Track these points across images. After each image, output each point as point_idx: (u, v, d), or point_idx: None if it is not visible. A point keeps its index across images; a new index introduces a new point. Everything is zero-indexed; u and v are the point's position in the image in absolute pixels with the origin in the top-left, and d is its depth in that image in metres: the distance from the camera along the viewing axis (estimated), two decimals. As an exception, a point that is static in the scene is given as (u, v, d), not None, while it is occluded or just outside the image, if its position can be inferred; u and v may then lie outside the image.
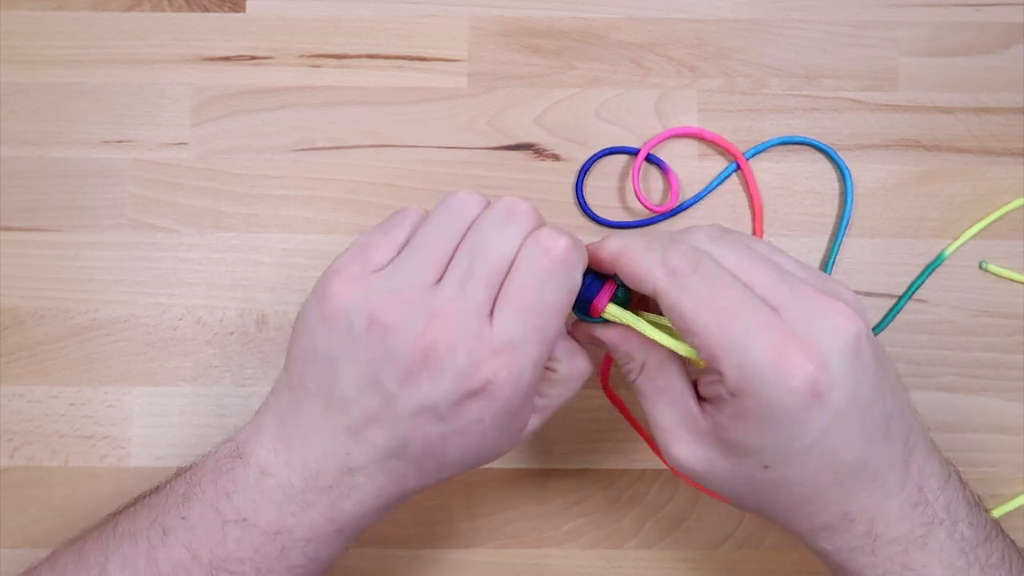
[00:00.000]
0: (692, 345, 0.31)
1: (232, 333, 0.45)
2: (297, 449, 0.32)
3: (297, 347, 0.33)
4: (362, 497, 0.32)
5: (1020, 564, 0.33)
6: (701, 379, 0.33)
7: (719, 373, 0.30)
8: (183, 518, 0.32)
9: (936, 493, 0.32)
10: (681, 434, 0.33)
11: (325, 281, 0.32)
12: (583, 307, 0.34)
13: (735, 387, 0.30)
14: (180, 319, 0.45)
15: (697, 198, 0.46)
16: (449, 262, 0.31)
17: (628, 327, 0.33)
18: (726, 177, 0.46)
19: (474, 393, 0.30)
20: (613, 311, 0.33)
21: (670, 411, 0.33)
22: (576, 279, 0.32)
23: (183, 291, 0.45)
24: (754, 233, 0.45)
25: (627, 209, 0.46)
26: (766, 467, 0.31)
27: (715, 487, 0.33)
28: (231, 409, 0.44)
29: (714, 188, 0.46)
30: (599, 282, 0.34)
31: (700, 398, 0.33)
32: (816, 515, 0.32)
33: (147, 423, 0.44)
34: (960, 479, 0.34)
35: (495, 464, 0.44)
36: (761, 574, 0.44)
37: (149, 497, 0.34)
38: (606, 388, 0.44)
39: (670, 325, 0.32)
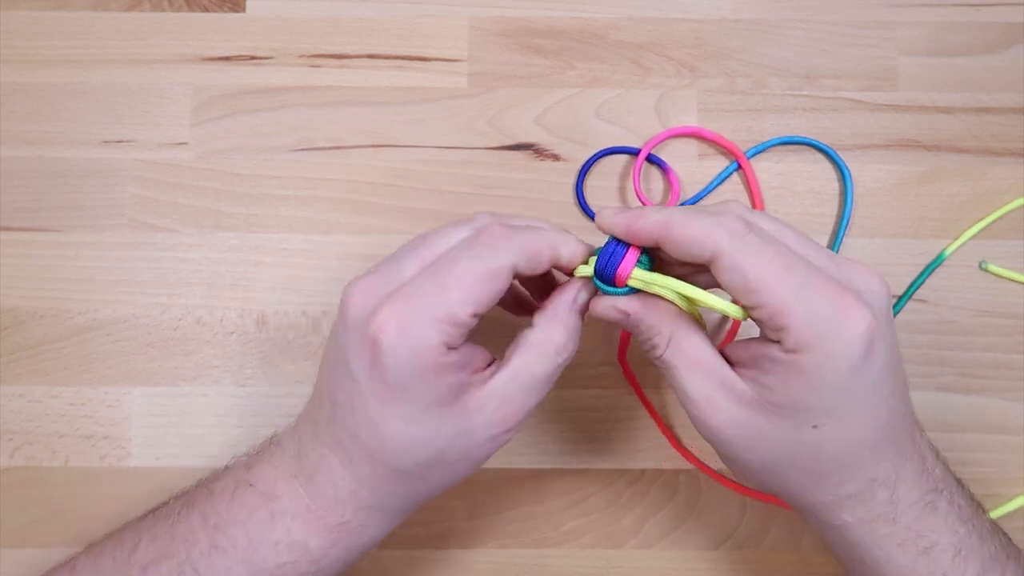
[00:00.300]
0: (751, 304, 0.30)
1: (232, 333, 0.45)
2: (300, 415, 0.36)
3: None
4: (330, 473, 0.33)
5: (1006, 539, 0.35)
6: (736, 346, 0.33)
7: (780, 329, 0.30)
8: (209, 491, 0.35)
9: (933, 463, 0.34)
10: (720, 403, 0.32)
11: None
12: (607, 277, 0.33)
13: (798, 340, 0.30)
14: (180, 319, 0.45)
15: (698, 197, 0.46)
16: None
17: (654, 297, 0.33)
18: (727, 176, 0.46)
19: (371, 342, 0.31)
20: (641, 275, 0.32)
21: (706, 381, 0.32)
22: (500, 260, 0.32)
23: (183, 291, 0.45)
24: None
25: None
26: (815, 426, 0.31)
27: (751, 453, 0.32)
28: (231, 409, 0.44)
29: (715, 187, 0.46)
30: (623, 248, 0.33)
31: (732, 365, 0.33)
32: (845, 482, 0.32)
33: (147, 423, 0.44)
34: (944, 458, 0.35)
35: (495, 464, 0.44)
36: (761, 574, 0.44)
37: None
38: (623, 363, 0.44)
39: (692, 295, 0.32)
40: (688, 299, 0.32)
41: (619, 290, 0.33)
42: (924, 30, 0.48)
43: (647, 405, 0.44)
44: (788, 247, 0.31)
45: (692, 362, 0.32)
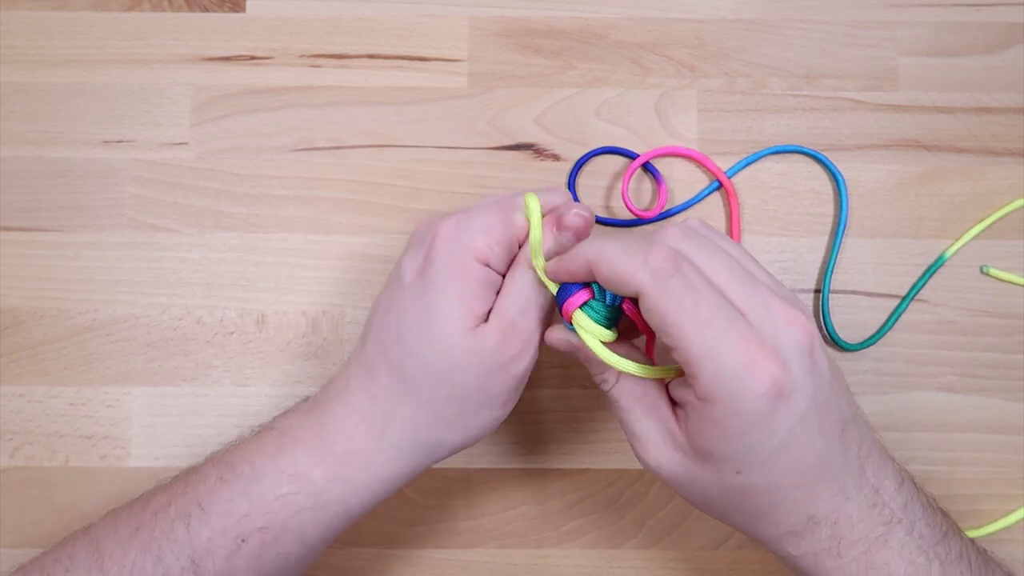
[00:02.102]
0: (670, 346, 0.31)
1: (232, 333, 0.45)
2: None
3: None
4: (345, 393, 0.35)
5: (979, 561, 0.34)
6: (672, 384, 0.34)
7: (692, 378, 0.30)
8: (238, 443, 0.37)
9: (892, 495, 0.33)
10: (658, 442, 0.33)
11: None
12: (558, 309, 0.34)
13: (707, 392, 0.30)
14: (180, 319, 0.45)
15: (680, 208, 0.46)
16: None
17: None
18: (708, 194, 0.46)
19: (428, 246, 0.36)
20: (579, 320, 0.33)
21: (646, 420, 0.33)
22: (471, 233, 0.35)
23: (183, 291, 0.45)
24: None
25: (608, 208, 0.46)
26: (737, 472, 0.31)
27: (688, 494, 0.33)
28: (231, 409, 0.44)
29: (696, 202, 0.46)
30: (577, 287, 0.33)
31: (673, 404, 0.34)
32: (783, 521, 0.33)
33: (147, 423, 0.44)
34: (914, 484, 0.35)
35: (495, 464, 0.44)
36: (761, 574, 0.44)
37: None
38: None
39: (603, 358, 0.33)
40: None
41: (568, 326, 0.34)
42: (924, 30, 0.48)
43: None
44: (715, 290, 0.31)
45: (635, 400, 0.34)
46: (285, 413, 0.37)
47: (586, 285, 0.33)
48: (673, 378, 0.34)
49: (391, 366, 0.35)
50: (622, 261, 0.31)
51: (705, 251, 0.32)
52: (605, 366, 0.34)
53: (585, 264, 0.32)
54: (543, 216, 0.36)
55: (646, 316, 0.31)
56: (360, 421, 0.35)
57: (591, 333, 0.33)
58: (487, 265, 0.35)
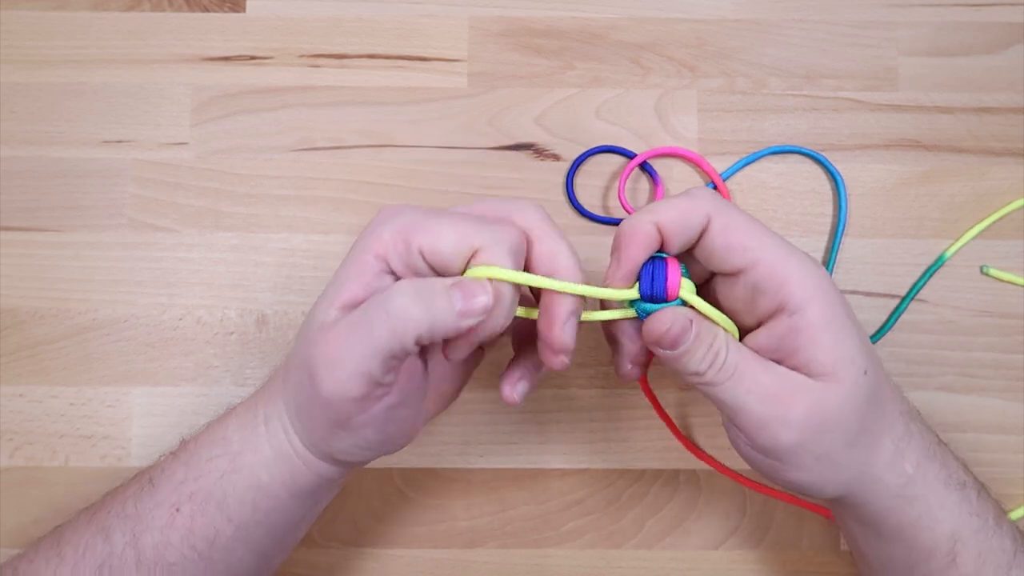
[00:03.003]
0: (747, 263, 0.31)
1: (232, 333, 0.45)
2: None
3: None
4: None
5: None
6: (758, 334, 0.33)
7: (781, 286, 0.31)
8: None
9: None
10: (794, 389, 0.31)
11: None
12: (660, 294, 0.32)
13: (803, 296, 0.31)
14: (180, 319, 0.45)
15: None
16: None
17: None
18: None
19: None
20: (689, 288, 0.32)
21: (772, 373, 0.31)
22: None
23: (183, 291, 0.45)
24: None
25: (606, 208, 0.46)
26: (865, 372, 0.31)
27: (832, 435, 0.31)
28: (231, 409, 0.44)
29: None
30: (662, 264, 0.32)
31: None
32: (895, 422, 0.33)
33: (147, 423, 0.44)
34: None
35: (495, 464, 0.44)
36: (761, 574, 0.44)
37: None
38: (644, 384, 0.43)
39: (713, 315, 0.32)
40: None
41: (655, 307, 0.32)
42: (924, 30, 0.48)
43: (669, 423, 0.44)
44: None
45: (757, 361, 0.32)
46: None
47: (656, 262, 0.32)
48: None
49: (292, 350, 0.34)
50: (680, 199, 0.32)
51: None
52: (713, 334, 0.32)
53: (646, 230, 0.32)
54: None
55: (717, 241, 0.32)
56: (270, 389, 0.35)
57: (710, 309, 0.32)
58: (386, 262, 0.31)
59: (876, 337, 0.45)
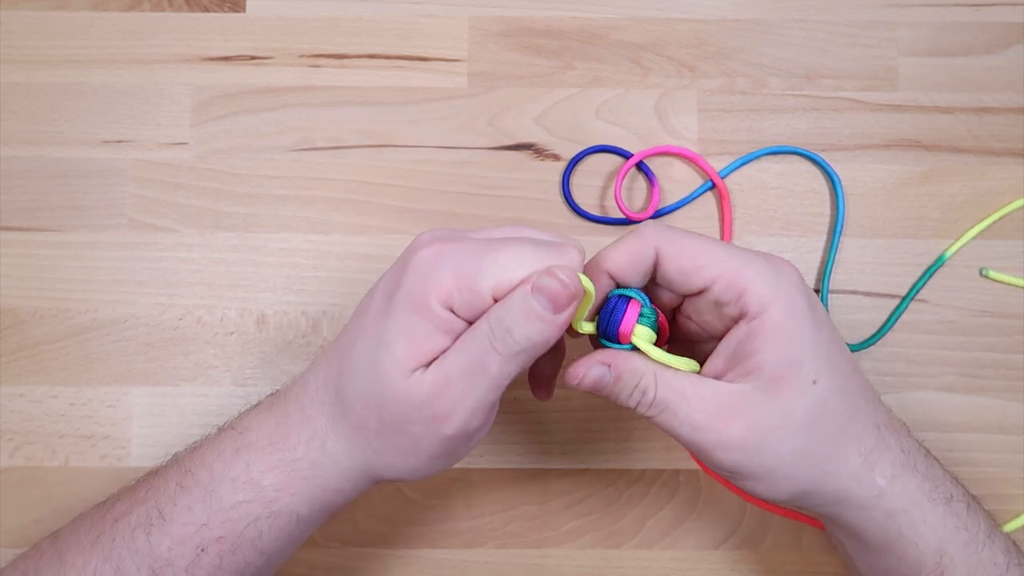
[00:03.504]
0: (704, 283, 0.32)
1: (232, 333, 0.45)
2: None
3: None
4: (302, 397, 0.34)
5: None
6: (709, 367, 0.33)
7: (741, 295, 0.31)
8: (197, 444, 0.36)
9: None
10: (729, 414, 0.31)
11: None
12: (610, 334, 0.33)
13: (761, 299, 0.31)
14: (180, 319, 0.45)
15: (673, 208, 0.46)
16: None
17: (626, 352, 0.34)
18: (700, 194, 0.46)
19: (402, 265, 0.33)
20: (641, 333, 0.33)
21: (707, 402, 0.32)
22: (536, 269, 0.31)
23: (183, 291, 0.45)
24: None
25: (603, 208, 0.46)
26: (814, 381, 0.31)
27: (780, 449, 0.31)
28: (231, 409, 0.44)
29: (689, 201, 0.46)
30: (623, 303, 0.33)
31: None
32: (863, 435, 0.33)
33: (147, 423, 0.44)
34: None
35: (495, 464, 0.44)
36: (761, 574, 0.44)
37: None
38: None
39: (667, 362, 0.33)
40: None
41: (621, 346, 0.34)
42: (924, 30, 0.48)
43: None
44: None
45: (686, 390, 0.32)
46: (249, 410, 0.36)
47: (621, 299, 0.33)
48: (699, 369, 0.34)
49: (338, 384, 0.33)
50: (625, 245, 0.33)
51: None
52: (639, 373, 0.33)
53: (600, 282, 0.33)
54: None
55: (671, 267, 0.33)
56: (307, 430, 0.33)
57: (649, 343, 0.33)
58: (450, 309, 0.31)
59: (876, 337, 0.45)
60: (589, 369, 0.33)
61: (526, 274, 0.31)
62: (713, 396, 0.32)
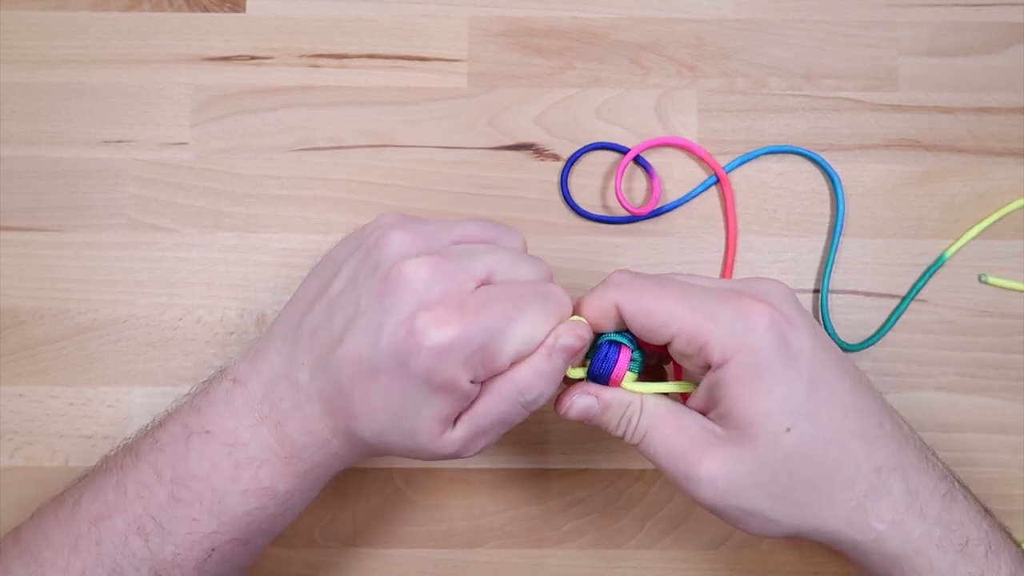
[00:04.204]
0: (666, 338, 0.32)
1: (232, 333, 0.45)
2: (266, 357, 0.34)
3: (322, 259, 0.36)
4: (305, 421, 0.33)
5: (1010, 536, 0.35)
6: (687, 402, 0.34)
7: (702, 348, 0.31)
8: (155, 440, 0.34)
9: (929, 450, 0.35)
10: (703, 448, 0.32)
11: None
12: (603, 379, 0.34)
13: (723, 350, 0.31)
14: (180, 319, 0.45)
15: (674, 205, 0.46)
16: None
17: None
18: (704, 189, 0.46)
19: (394, 280, 0.32)
20: (631, 382, 0.34)
21: (683, 433, 0.33)
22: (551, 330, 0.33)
23: (183, 291, 0.45)
24: (726, 244, 0.46)
25: (606, 207, 0.46)
26: (788, 429, 0.31)
27: (756, 495, 0.32)
28: (231, 409, 0.44)
29: (692, 197, 0.46)
30: (615, 351, 0.34)
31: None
32: (856, 480, 0.32)
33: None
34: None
35: (495, 464, 0.44)
36: (761, 574, 0.44)
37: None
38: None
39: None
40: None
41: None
42: (924, 30, 0.48)
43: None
44: (677, 281, 0.34)
45: (667, 418, 0.33)
46: (213, 407, 0.34)
47: (613, 346, 0.34)
48: (692, 391, 0.34)
49: (347, 422, 0.33)
50: (590, 297, 0.34)
51: (651, 273, 0.35)
52: (624, 403, 0.34)
53: (570, 335, 0.33)
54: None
55: (633, 326, 0.33)
56: (319, 447, 0.34)
57: (639, 385, 0.34)
58: (470, 377, 0.32)
59: (876, 337, 0.45)
60: (576, 399, 0.34)
61: (543, 337, 0.32)
62: (691, 426, 0.33)
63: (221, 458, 0.33)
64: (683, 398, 0.35)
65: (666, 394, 0.34)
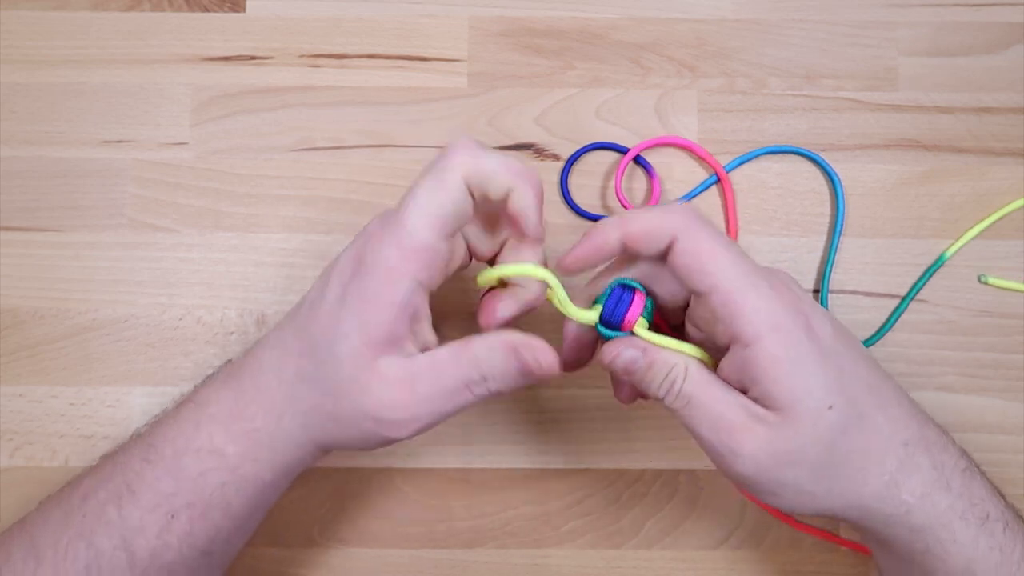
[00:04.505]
0: (705, 288, 0.32)
1: (232, 333, 0.45)
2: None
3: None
4: (260, 373, 0.34)
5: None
6: (724, 361, 0.33)
7: (733, 317, 0.31)
8: (153, 417, 0.37)
9: (944, 432, 0.35)
10: (745, 422, 0.31)
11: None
12: (615, 323, 0.34)
13: (756, 328, 0.31)
14: (180, 319, 0.45)
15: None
16: None
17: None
18: (704, 189, 0.46)
19: (366, 235, 0.34)
20: (643, 328, 0.34)
21: (727, 406, 0.32)
22: (452, 173, 0.33)
23: (183, 291, 0.45)
24: None
25: (606, 207, 0.46)
26: (830, 408, 0.31)
27: (798, 470, 0.31)
28: (231, 409, 0.44)
29: (692, 197, 0.46)
30: (629, 294, 0.34)
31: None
32: (886, 455, 0.32)
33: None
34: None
35: (495, 464, 0.44)
36: (761, 574, 0.44)
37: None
38: None
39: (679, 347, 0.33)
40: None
41: (610, 333, 0.34)
42: (924, 30, 0.48)
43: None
44: (735, 243, 0.34)
45: (711, 393, 0.32)
46: (205, 381, 0.37)
47: (625, 291, 0.34)
48: (706, 359, 0.34)
49: (298, 363, 0.34)
50: (650, 214, 0.33)
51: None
52: (670, 363, 0.33)
53: (613, 231, 0.33)
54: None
55: (679, 262, 0.32)
56: (264, 403, 0.34)
57: (654, 336, 0.34)
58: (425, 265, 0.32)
59: (876, 337, 0.45)
60: (623, 350, 0.33)
61: (440, 200, 0.33)
62: (733, 401, 0.32)
63: (188, 417, 0.35)
64: None
65: (701, 362, 0.33)
